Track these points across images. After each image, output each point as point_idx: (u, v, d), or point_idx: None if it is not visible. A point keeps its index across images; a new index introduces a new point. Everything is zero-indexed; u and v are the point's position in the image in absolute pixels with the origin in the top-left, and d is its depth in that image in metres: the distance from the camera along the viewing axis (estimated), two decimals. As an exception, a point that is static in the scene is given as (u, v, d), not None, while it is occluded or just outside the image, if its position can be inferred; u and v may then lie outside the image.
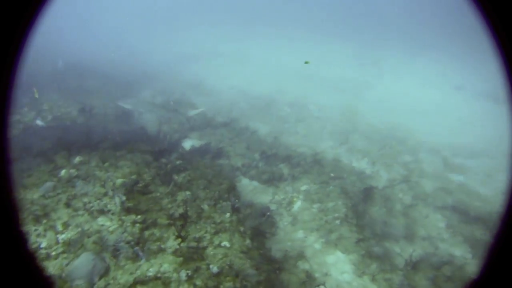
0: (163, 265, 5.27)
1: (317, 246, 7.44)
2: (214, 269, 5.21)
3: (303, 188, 9.24)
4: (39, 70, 16.45)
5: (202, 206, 6.82)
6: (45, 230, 5.69)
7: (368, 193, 9.33)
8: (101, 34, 31.17)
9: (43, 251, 5.29)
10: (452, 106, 17.68)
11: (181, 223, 6.19)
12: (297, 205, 8.64)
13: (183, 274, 5.08)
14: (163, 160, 8.51)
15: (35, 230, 5.69)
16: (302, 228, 7.92)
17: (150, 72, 20.77)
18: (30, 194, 6.38)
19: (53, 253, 5.30)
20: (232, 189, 7.97)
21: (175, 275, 5.10)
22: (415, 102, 17.51)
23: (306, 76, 20.71)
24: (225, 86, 19.06)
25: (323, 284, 6.53)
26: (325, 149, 12.35)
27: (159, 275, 5.08)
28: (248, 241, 6.15)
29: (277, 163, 10.57)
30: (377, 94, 18.51)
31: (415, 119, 15.38)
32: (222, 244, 5.92)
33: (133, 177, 7.18)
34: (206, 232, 6.10)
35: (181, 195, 7.10)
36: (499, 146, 13.44)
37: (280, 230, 7.95)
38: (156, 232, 5.89)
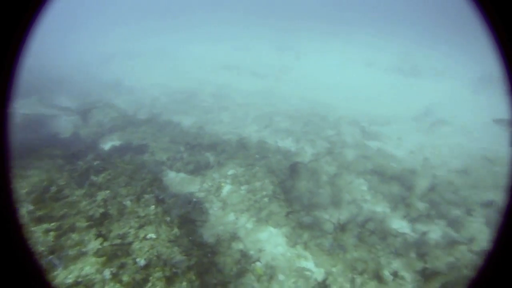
0: (84, 268, 4.93)
1: (249, 225, 7.51)
2: (141, 262, 5.00)
3: (230, 172, 9.25)
4: None
5: (124, 203, 6.50)
6: None
7: (294, 169, 9.62)
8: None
9: None
10: (365, 81, 18.93)
11: (103, 222, 5.85)
12: (225, 189, 8.64)
13: (107, 273, 4.81)
14: (80, 162, 7.97)
15: None
16: (233, 210, 7.94)
17: (67, 75, 19.39)
18: None
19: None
20: (155, 182, 7.70)
21: (98, 275, 4.80)
22: (332, 81, 18.46)
23: (226, 66, 20.75)
24: (145, 84, 18.43)
25: (258, 259, 6.62)
26: (250, 134, 12.50)
27: (80, 279, 4.74)
28: (175, 230, 6.00)
29: (203, 152, 10.46)
30: (296, 76, 19.19)
31: (333, 95, 16.21)
32: (148, 236, 5.70)
33: (44, 184, 6.62)
34: (130, 228, 5.83)
35: (101, 195, 6.70)
36: (407, 112, 14.71)
37: (211, 216, 7.89)
38: (75, 236, 5.50)
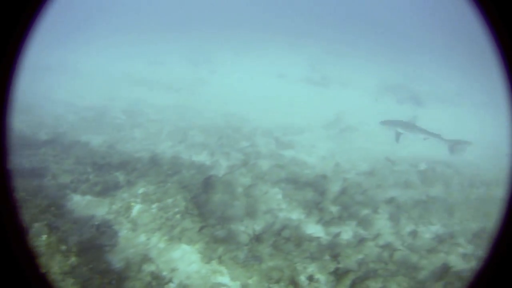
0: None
1: (161, 245, 7.05)
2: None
3: (140, 191, 8.69)
4: None
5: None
6: None
7: (208, 183, 9.37)
8: None
9: None
10: (278, 92, 19.57)
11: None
12: (136, 209, 8.06)
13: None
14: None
15: None
16: (144, 231, 7.41)
17: None
18: None
19: None
20: (50, 208, 6.88)
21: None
22: (246, 93, 18.73)
23: (140, 81, 19.95)
24: (47, 101, 16.78)
25: (171, 280, 6.20)
26: (164, 150, 11.99)
27: None
28: (73, 259, 5.35)
29: (112, 172, 9.71)
30: (212, 89, 19.13)
31: (248, 108, 16.40)
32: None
33: None
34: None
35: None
36: (318, 121, 15.45)
37: (121, 239, 7.26)
38: None
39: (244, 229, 7.85)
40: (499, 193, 11.36)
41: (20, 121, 13.96)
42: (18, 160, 10.22)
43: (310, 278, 6.65)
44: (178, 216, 7.66)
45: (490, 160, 14.26)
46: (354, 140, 13.83)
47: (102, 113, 15.37)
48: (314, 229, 8.29)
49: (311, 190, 9.85)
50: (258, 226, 8.07)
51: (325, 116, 15.70)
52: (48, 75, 21.41)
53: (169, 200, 8.15)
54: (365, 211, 9.31)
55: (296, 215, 8.81)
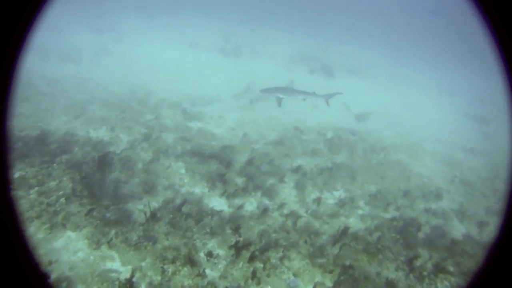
0: None
1: (41, 235, 6.31)
2: None
3: (17, 175, 7.68)
4: None
5: None
6: None
7: (103, 160, 8.62)
8: None
9: None
10: (189, 62, 18.77)
11: None
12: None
13: None
14: None
15: None
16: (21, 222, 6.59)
17: None
18: None
19: None
20: None
21: None
22: (154, 63, 17.64)
23: (32, 51, 17.62)
24: None
25: (49, 275, 5.60)
26: (58, 126, 10.78)
27: None
28: None
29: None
30: (117, 59, 17.66)
31: (155, 78, 15.47)
32: None
33: None
34: None
35: None
36: (229, 91, 15.14)
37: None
38: None
39: (142, 207, 7.39)
40: (395, 156, 12.31)
41: None
42: None
43: (209, 254, 6.48)
44: (62, 199, 6.91)
45: (389, 127, 15.35)
46: (264, 110, 13.83)
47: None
48: (217, 202, 8.14)
49: (216, 162, 9.64)
50: (157, 203, 7.67)
51: (236, 87, 15.45)
52: None
53: (53, 183, 7.31)
54: (271, 181, 9.39)
55: (199, 188, 8.56)
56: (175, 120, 11.88)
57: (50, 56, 16.85)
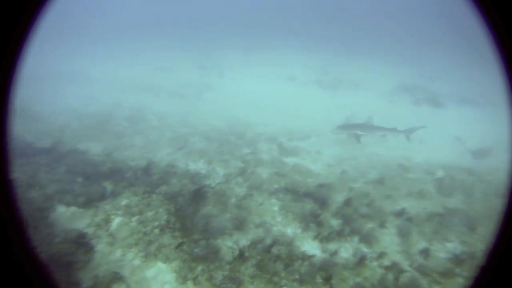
0: None
1: (136, 262, 6.47)
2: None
3: (124, 202, 8.17)
4: None
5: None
6: None
7: (199, 193, 8.75)
8: None
9: None
10: (286, 96, 18.83)
11: None
12: (115, 222, 7.54)
13: None
14: None
15: None
16: (121, 246, 6.86)
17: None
18: None
19: None
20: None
21: None
22: (253, 97, 18.09)
23: (145, 87, 19.73)
24: (55, 109, 16.77)
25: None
26: (162, 157, 11.49)
27: None
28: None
29: (100, 181, 9.27)
30: (218, 94, 18.63)
31: (253, 112, 15.76)
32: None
33: None
34: None
35: None
36: (327, 125, 14.57)
37: (97, 254, 6.75)
38: None
39: (231, 245, 7.16)
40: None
41: (24, 129, 13.88)
42: (16, 170, 10.00)
43: None
44: (157, 230, 7.07)
45: (518, 165, 12.94)
46: (364, 145, 12.87)
47: (105, 120, 15.13)
48: (309, 246, 7.50)
49: (311, 201, 9.05)
50: (246, 241, 7.35)
51: (334, 120, 14.82)
52: (55, 83, 21.62)
53: (150, 213, 7.58)
54: (370, 225, 8.41)
55: (291, 229, 8.04)
56: (271, 154, 11.71)
57: (161, 94, 18.55)
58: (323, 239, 7.74)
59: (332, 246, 7.57)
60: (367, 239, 7.88)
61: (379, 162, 12.00)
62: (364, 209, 9.04)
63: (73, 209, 8.33)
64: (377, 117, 15.22)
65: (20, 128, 13.82)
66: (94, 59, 26.72)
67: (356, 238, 7.92)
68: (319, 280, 6.45)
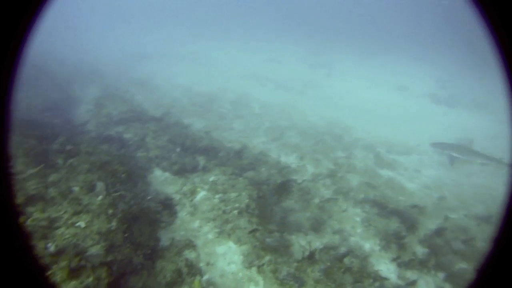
0: None
1: (210, 236, 6.82)
2: (52, 248, 4.51)
3: (211, 179, 8.63)
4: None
5: (72, 188, 6.11)
6: None
7: (284, 186, 8.80)
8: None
9: None
10: (394, 105, 17.62)
11: (38, 202, 5.48)
12: (200, 195, 8.03)
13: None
14: (54, 145, 7.80)
15: None
16: (200, 218, 7.30)
17: (101, 70, 20.16)
18: None
19: None
20: (120, 174, 7.27)
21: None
22: (358, 102, 17.36)
23: (254, 75, 20.38)
24: (171, 84, 18.52)
25: (202, 274, 5.92)
26: (256, 145, 11.83)
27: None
28: (113, 224, 5.46)
29: (195, 155, 9.94)
30: (322, 93, 18.30)
31: (355, 117, 15.15)
32: (77, 224, 5.22)
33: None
34: (65, 213, 5.39)
35: (53, 177, 6.38)
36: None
37: (178, 220, 7.31)
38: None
39: (304, 244, 7.07)
40: None
41: (143, 99, 15.62)
42: (128, 130, 11.38)
43: None
44: (235, 212, 7.32)
45: None
46: (474, 174, 11.43)
47: (211, 100, 16.12)
48: (384, 267, 7.00)
49: (398, 220, 8.40)
50: (320, 244, 7.19)
51: (443, 139, 13.44)
52: (176, 62, 23.68)
53: (233, 194, 7.87)
54: (462, 265, 7.49)
55: (369, 244, 7.60)
56: (366, 163, 11.17)
57: (268, 84, 19.00)
58: (402, 264, 7.15)
59: (410, 274, 6.95)
60: (455, 280, 7.04)
61: (490, 197, 10.54)
62: (459, 244, 8.07)
63: (167, 174, 9.12)
64: (496, 144, 13.43)
65: (140, 98, 15.58)
66: (211, 45, 28.61)
67: (441, 275, 7.13)
68: (388, 306, 6.00)
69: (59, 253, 4.55)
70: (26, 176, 6.20)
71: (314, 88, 19.27)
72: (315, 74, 21.92)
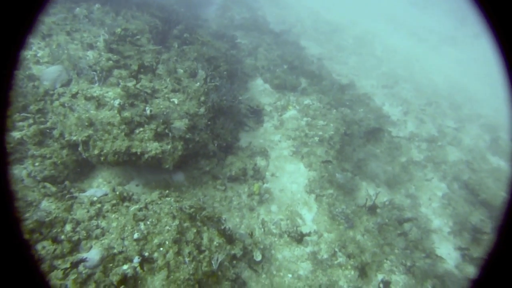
0: (108, 93, 5.39)
1: (285, 152, 7.04)
2: (148, 111, 5.16)
3: (306, 102, 8.58)
4: None
5: (178, 69, 6.68)
6: (45, 46, 6.16)
7: (375, 133, 8.41)
8: None
9: (37, 59, 5.85)
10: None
11: (148, 73, 6.18)
12: (290, 113, 8.14)
13: (116, 102, 5.17)
14: (174, 30, 8.47)
15: (38, 43, 6.22)
16: (282, 133, 7.50)
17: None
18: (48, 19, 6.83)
19: (41, 60, 5.84)
20: (221, 70, 7.67)
21: (111, 101, 5.22)
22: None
23: (390, 17, 18.46)
24: (300, 5, 17.87)
25: (264, 181, 6.30)
26: (364, 86, 11.25)
27: (99, 96, 5.24)
28: (201, 110, 5.94)
29: (299, 76, 9.87)
30: (462, 54, 15.97)
31: (487, 89, 13.17)
32: (172, 99, 5.81)
33: (134, 31, 7.19)
34: (165, 88, 6.01)
35: (166, 55, 7.02)
36: None
37: (262, 129, 7.64)
38: (123, 72, 5.95)
39: (372, 193, 6.92)
40: None
41: (267, 12, 15.44)
42: (245, 37, 11.68)
43: (386, 285, 5.48)
44: (316, 138, 7.33)
45: None
46: None
47: (335, 30, 15.31)
48: (445, 251, 6.61)
49: (484, 214, 7.63)
50: (387, 198, 6.98)
51: None
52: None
53: (320, 122, 7.81)
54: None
55: (439, 221, 7.15)
56: (476, 142, 9.97)
57: (401, 28, 17.14)
58: (468, 257, 6.62)
59: (471, 270, 6.47)
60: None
61: None
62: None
63: (267, 86, 9.31)
64: None
65: (266, 10, 15.43)
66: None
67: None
68: (429, 283, 5.77)
69: (152, 117, 5.20)
70: (145, 49, 6.93)
71: (454, 46, 16.89)
72: (462, 31, 19.00)
